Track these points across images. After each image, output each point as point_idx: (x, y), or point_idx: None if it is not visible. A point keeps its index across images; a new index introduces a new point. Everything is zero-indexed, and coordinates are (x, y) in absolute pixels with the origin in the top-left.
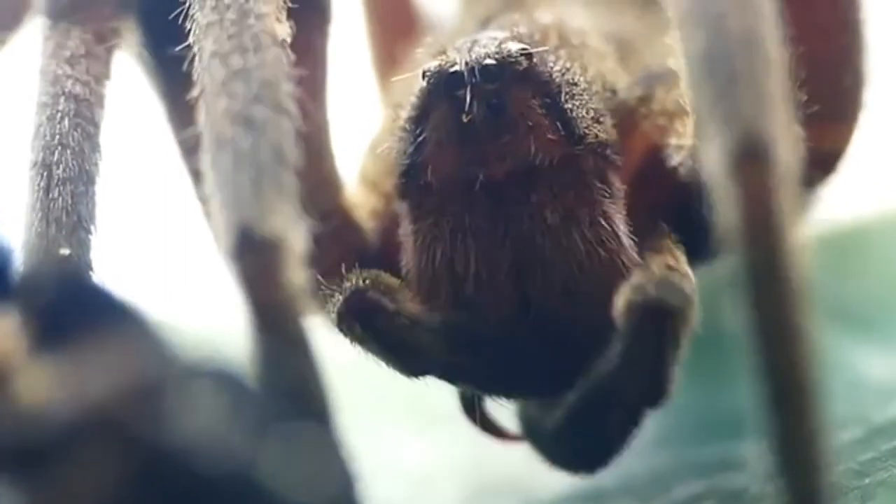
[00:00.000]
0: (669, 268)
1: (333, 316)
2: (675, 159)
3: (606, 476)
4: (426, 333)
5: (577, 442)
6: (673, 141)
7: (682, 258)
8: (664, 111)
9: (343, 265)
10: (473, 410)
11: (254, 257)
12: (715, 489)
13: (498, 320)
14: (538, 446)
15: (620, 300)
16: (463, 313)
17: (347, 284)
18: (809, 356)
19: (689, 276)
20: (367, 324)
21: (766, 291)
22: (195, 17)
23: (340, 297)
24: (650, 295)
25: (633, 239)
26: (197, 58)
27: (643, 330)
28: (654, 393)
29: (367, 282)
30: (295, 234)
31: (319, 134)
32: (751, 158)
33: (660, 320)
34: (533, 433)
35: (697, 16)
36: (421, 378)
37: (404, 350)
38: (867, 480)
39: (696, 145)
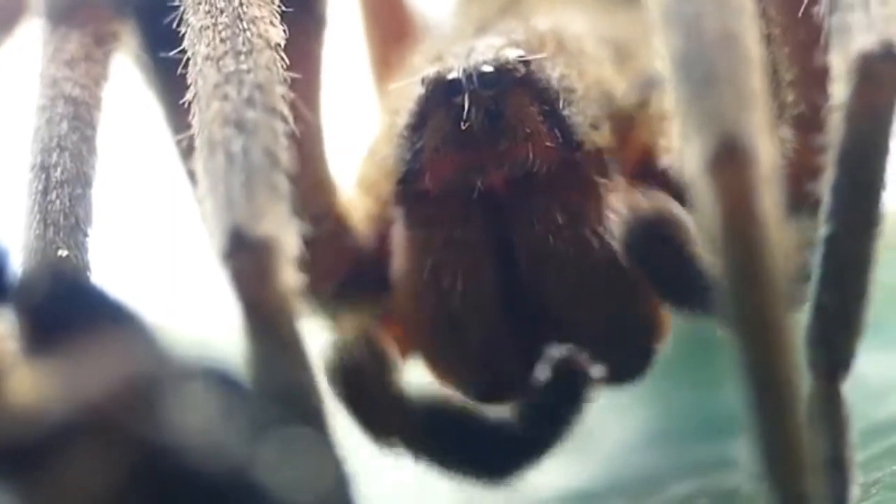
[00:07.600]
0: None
1: None
2: (665, 162)
3: (599, 476)
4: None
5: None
6: (663, 143)
7: None
8: (660, 115)
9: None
10: None
11: (246, 258)
12: (708, 488)
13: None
14: None
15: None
16: (445, 331)
17: None
18: (790, 355)
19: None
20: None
21: (745, 290)
22: (189, 20)
23: None
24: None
25: None
26: (191, 61)
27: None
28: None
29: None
30: (287, 236)
31: (313, 137)
32: (729, 157)
33: (659, 225)
34: None
35: (674, 16)
36: None
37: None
38: (862, 480)
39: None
